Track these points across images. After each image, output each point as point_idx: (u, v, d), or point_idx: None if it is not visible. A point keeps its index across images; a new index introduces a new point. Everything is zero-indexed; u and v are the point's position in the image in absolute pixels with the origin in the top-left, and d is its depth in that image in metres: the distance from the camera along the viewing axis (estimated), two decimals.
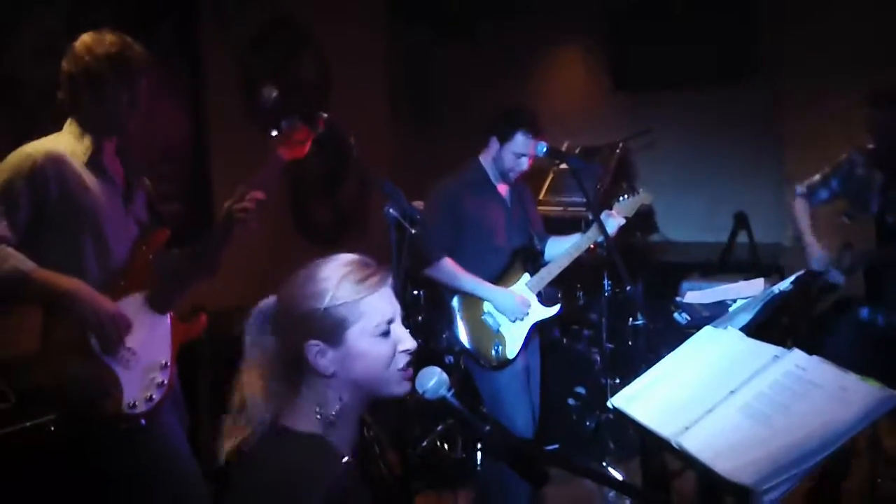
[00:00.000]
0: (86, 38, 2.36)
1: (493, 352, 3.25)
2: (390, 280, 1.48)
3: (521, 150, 3.23)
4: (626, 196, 3.43)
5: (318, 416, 1.41)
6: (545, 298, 3.38)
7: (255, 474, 1.39)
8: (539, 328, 3.44)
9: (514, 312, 3.25)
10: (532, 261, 3.41)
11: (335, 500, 1.32)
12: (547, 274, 3.34)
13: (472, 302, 3.29)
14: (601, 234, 3.14)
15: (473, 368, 3.35)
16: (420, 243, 2.76)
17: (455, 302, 3.31)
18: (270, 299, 1.49)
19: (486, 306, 3.28)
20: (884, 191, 3.15)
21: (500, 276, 3.32)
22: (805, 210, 3.42)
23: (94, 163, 2.38)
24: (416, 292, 4.52)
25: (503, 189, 3.39)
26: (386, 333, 1.44)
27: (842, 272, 3.25)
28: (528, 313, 3.28)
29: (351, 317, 1.41)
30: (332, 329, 1.41)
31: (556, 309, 3.36)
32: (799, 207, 3.44)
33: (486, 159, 3.36)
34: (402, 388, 1.48)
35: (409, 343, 1.47)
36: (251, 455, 1.41)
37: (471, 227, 3.28)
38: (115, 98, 2.35)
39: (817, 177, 3.43)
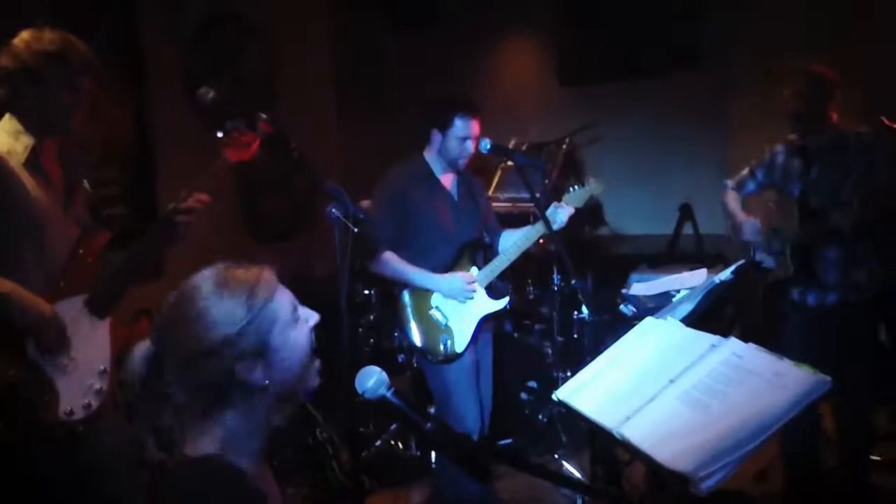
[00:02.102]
0: (25, 34, 2.31)
1: (442, 346, 3.25)
2: (271, 268, 1.46)
3: (463, 134, 3.24)
4: (575, 187, 3.46)
5: (229, 438, 1.37)
6: (495, 292, 3.38)
7: None
8: (491, 322, 3.45)
9: (461, 293, 3.25)
10: (480, 254, 3.42)
11: None
12: (495, 267, 3.35)
13: (421, 297, 3.28)
14: (547, 229, 3.16)
15: (424, 365, 3.35)
16: (364, 240, 2.75)
17: (405, 297, 3.30)
18: (143, 345, 1.41)
19: (434, 300, 3.28)
20: (802, 176, 3.28)
21: (448, 270, 3.31)
22: (735, 199, 3.56)
23: (32, 163, 2.32)
24: (366, 291, 4.51)
25: (448, 182, 3.39)
26: (297, 319, 1.44)
27: (771, 255, 3.35)
28: (474, 292, 3.28)
29: (267, 323, 1.38)
30: (255, 344, 1.37)
31: (504, 302, 3.37)
32: (729, 198, 3.57)
33: (429, 154, 3.36)
34: (316, 381, 1.47)
35: (314, 316, 1.48)
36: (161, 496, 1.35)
37: (417, 220, 3.28)
38: (55, 98, 2.30)
39: (745, 171, 3.57)
